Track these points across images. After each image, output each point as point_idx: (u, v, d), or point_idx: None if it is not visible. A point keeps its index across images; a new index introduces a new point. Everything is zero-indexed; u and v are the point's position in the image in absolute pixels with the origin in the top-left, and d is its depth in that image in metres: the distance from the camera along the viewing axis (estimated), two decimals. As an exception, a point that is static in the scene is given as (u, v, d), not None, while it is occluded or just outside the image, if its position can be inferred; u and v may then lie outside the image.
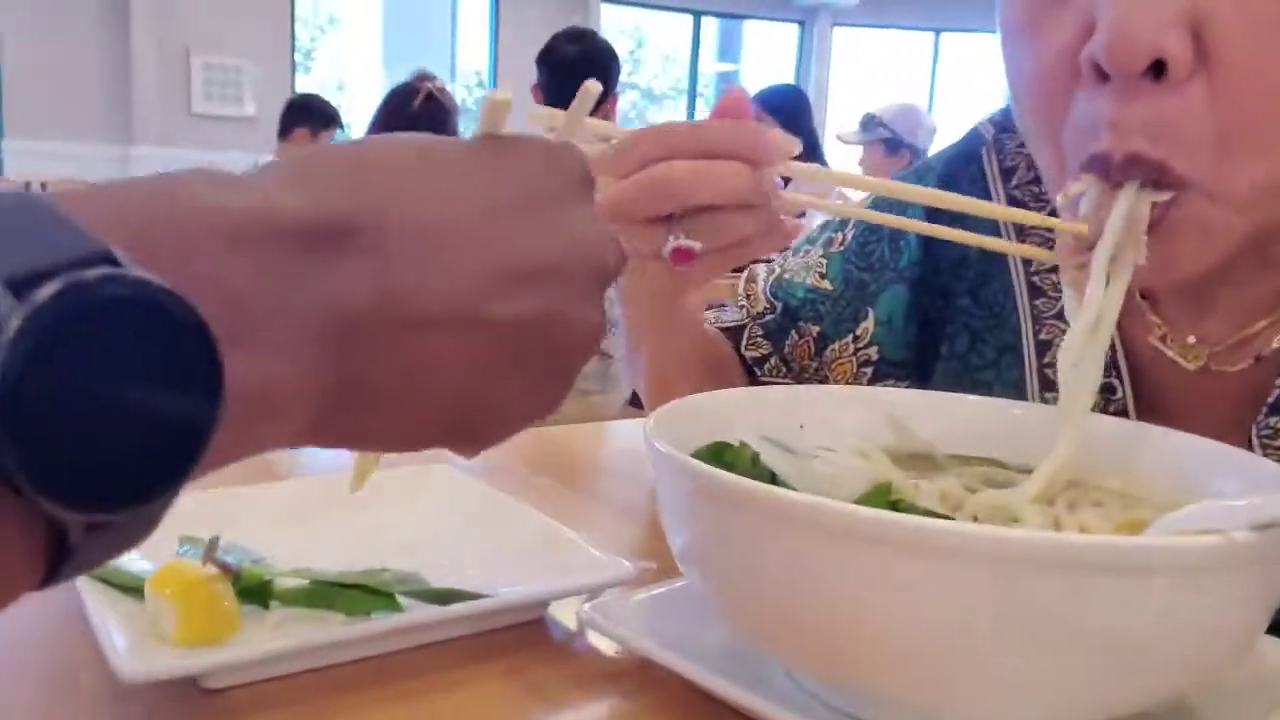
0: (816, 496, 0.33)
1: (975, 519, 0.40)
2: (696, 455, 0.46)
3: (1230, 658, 0.35)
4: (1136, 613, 0.32)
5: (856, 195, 0.57)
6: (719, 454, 0.46)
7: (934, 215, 0.68)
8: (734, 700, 0.40)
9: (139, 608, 0.43)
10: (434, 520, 0.58)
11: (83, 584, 0.45)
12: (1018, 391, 0.62)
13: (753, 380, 0.72)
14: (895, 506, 0.39)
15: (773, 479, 0.41)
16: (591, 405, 2.26)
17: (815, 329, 0.71)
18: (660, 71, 9.33)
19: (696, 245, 0.50)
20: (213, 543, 0.45)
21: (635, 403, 2.45)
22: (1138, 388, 0.59)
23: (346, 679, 0.43)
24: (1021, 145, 0.65)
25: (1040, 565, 0.31)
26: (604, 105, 2.35)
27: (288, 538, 0.54)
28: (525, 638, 0.47)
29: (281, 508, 0.58)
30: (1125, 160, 0.46)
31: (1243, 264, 0.52)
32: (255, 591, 0.46)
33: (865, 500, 0.38)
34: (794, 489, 0.40)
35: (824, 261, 0.71)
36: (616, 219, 0.50)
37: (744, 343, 0.72)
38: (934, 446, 0.51)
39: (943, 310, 0.67)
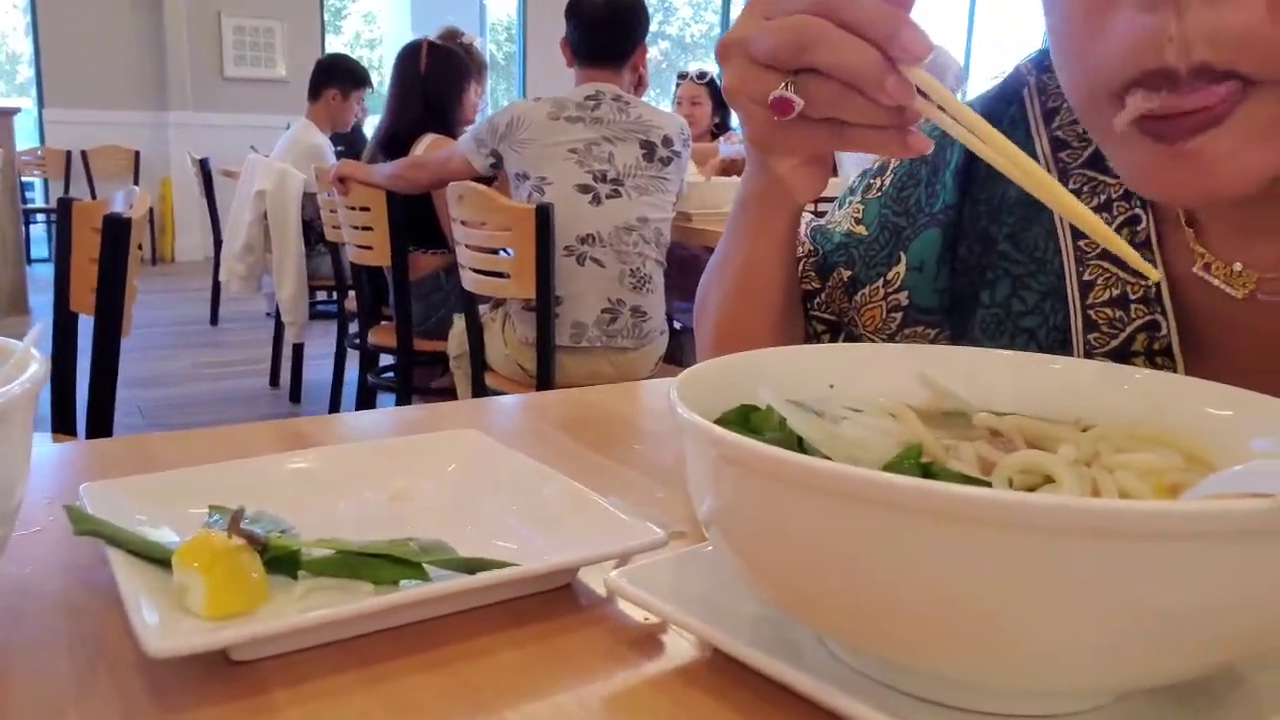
0: (841, 464, 0.32)
1: (1010, 481, 0.39)
2: (723, 419, 0.45)
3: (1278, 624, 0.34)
4: (1175, 580, 0.31)
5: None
6: (745, 417, 0.45)
7: (970, 166, 0.67)
8: (764, 669, 0.39)
9: (167, 578, 0.44)
10: (463, 487, 0.57)
11: (111, 555, 0.45)
12: (1062, 335, 0.61)
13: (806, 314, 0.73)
14: (927, 470, 0.38)
15: (800, 444, 0.40)
16: (624, 362, 2.26)
17: (847, 273, 0.70)
18: (692, 19, 9.20)
19: (797, 101, 0.49)
20: (237, 515, 0.45)
21: (670, 359, 2.45)
22: (1182, 321, 0.57)
23: (375, 648, 0.43)
24: None
25: (1073, 532, 0.30)
26: (634, 56, 2.32)
27: (316, 506, 0.54)
28: (554, 605, 0.47)
29: (310, 476, 0.58)
30: (1193, 73, 0.44)
31: None
32: (283, 562, 0.46)
33: (895, 464, 0.37)
34: (821, 454, 0.39)
35: (861, 207, 0.71)
36: (748, 56, 0.50)
37: (799, 276, 0.72)
38: (968, 403, 0.50)
39: (982, 256, 0.66)
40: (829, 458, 0.39)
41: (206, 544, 0.43)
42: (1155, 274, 0.46)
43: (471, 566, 0.46)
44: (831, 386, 0.51)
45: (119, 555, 0.45)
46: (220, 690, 0.40)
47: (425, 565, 0.46)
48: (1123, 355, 0.58)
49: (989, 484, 0.37)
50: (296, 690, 0.40)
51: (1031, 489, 0.39)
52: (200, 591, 0.42)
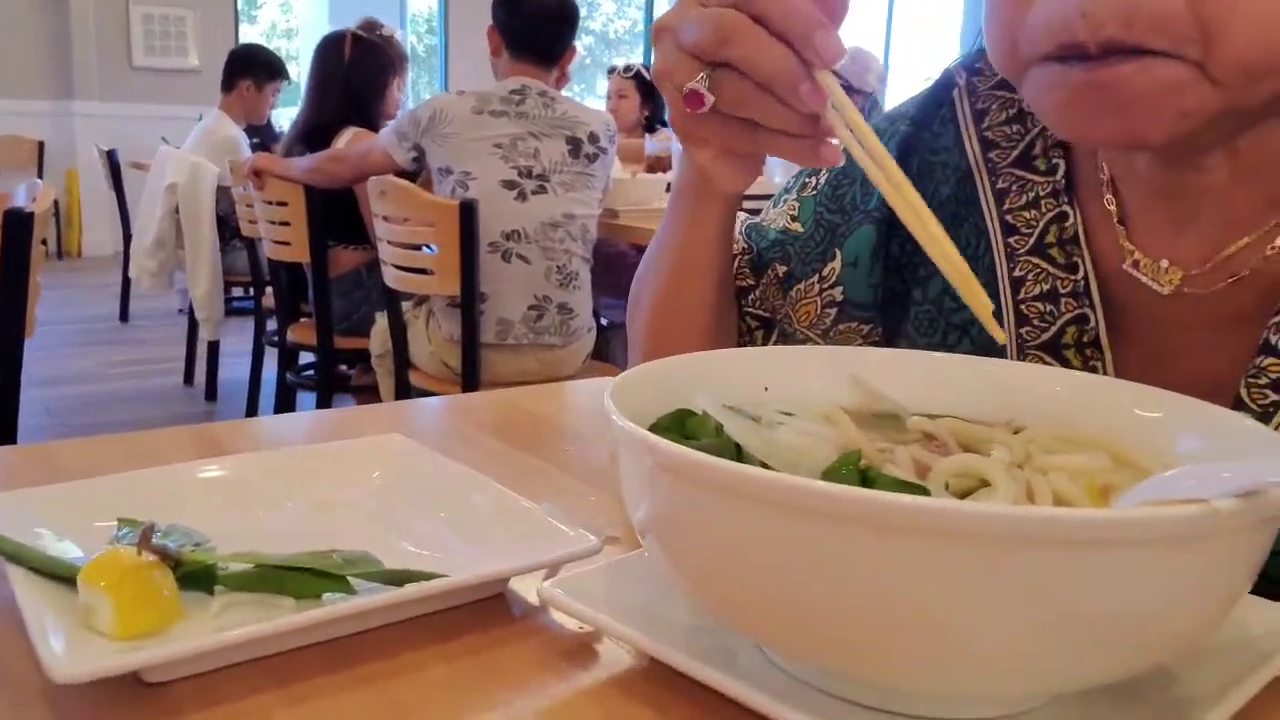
0: (780, 474, 0.31)
1: (947, 486, 0.38)
2: (658, 424, 0.44)
3: (1211, 625, 0.35)
4: (1114, 586, 0.31)
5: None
6: (681, 423, 0.44)
7: (903, 165, 0.67)
8: (700, 676, 0.38)
9: (72, 596, 0.41)
10: (388, 495, 0.56)
11: (12, 573, 0.42)
12: None
13: (739, 310, 0.73)
14: (865, 475, 0.37)
15: (737, 451, 0.39)
16: (552, 360, 2.24)
17: (782, 269, 0.70)
18: (616, 15, 9.18)
19: (708, 96, 0.49)
20: (147, 531, 0.43)
21: (597, 356, 2.44)
22: (1110, 316, 0.58)
23: (296, 666, 0.41)
24: (994, 88, 0.64)
25: (1015, 541, 0.30)
26: (565, 55, 2.30)
27: (235, 516, 0.52)
28: (484, 615, 0.46)
29: (227, 485, 0.55)
30: (1102, 48, 0.45)
31: (1215, 167, 0.52)
32: (198, 577, 0.44)
33: (834, 471, 0.37)
34: (759, 461, 0.38)
35: (796, 205, 0.71)
36: (676, 42, 0.50)
37: (734, 273, 0.72)
38: (901, 406, 0.49)
39: (914, 254, 0.66)
40: (767, 465, 0.38)
41: (114, 562, 0.41)
42: (1001, 336, 0.46)
43: (398, 579, 0.44)
44: (766, 389, 0.51)
45: (20, 573, 0.43)
46: (132, 714, 0.38)
47: (349, 578, 0.44)
48: (1053, 347, 0.59)
49: (926, 489, 0.37)
50: (213, 712, 0.38)
51: (967, 493, 0.39)
52: (108, 612, 0.39)
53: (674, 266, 0.66)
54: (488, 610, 0.46)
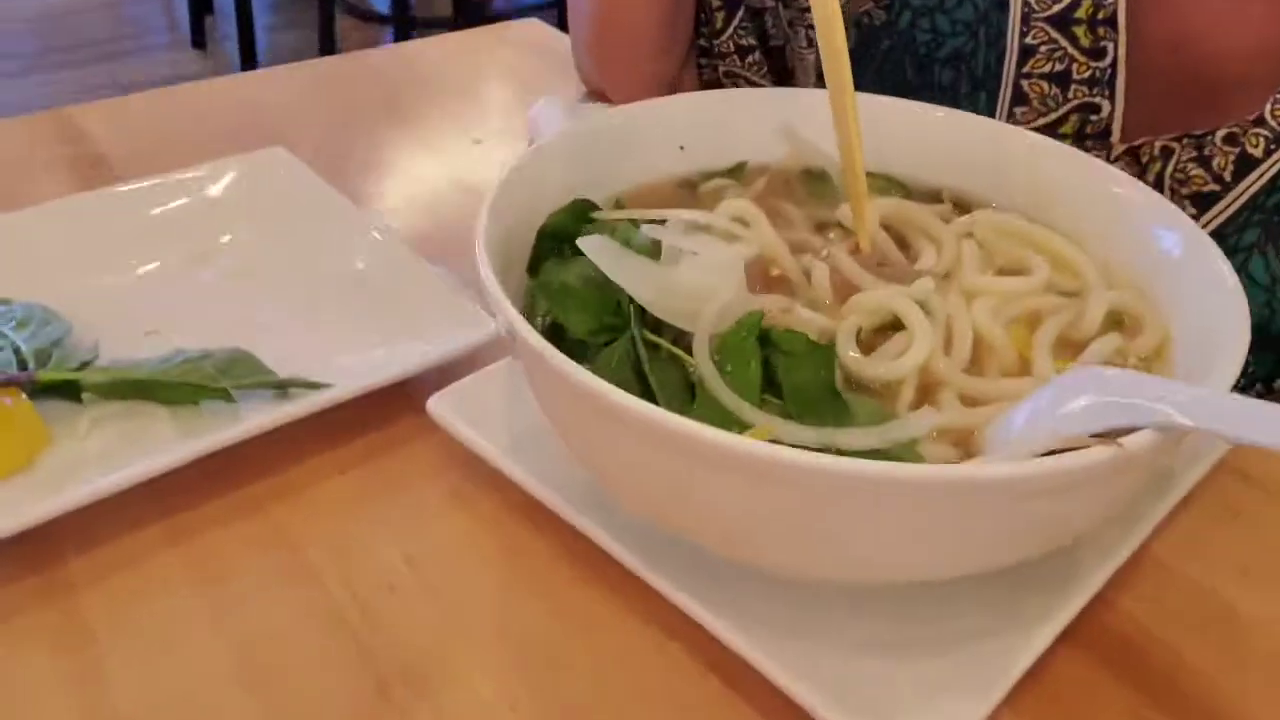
0: (666, 415, 0.27)
1: (859, 333, 0.35)
2: (549, 225, 0.39)
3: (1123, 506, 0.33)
4: (1030, 516, 0.29)
5: None
6: (579, 220, 0.39)
7: None
8: (579, 526, 0.37)
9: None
10: (265, 247, 0.51)
11: None
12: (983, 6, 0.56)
13: None
14: (766, 336, 0.33)
15: (631, 302, 0.34)
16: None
17: None
18: None
19: None
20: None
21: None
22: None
23: (175, 491, 0.39)
24: None
25: (924, 495, 0.27)
26: None
27: (97, 276, 0.48)
28: (375, 412, 0.43)
29: (90, 230, 0.50)
30: None
31: None
32: (62, 388, 0.41)
33: (733, 337, 0.33)
34: (653, 317, 0.34)
35: None
36: None
37: None
38: (832, 159, 0.44)
39: None
40: (661, 321, 0.34)
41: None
42: (866, 247, 0.40)
43: (281, 385, 0.41)
44: (682, 148, 0.45)
45: None
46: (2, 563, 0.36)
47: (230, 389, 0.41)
48: (1063, 21, 0.54)
49: (833, 351, 0.34)
50: (94, 555, 0.37)
51: (883, 328, 0.36)
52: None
53: None
54: (379, 404, 0.43)
